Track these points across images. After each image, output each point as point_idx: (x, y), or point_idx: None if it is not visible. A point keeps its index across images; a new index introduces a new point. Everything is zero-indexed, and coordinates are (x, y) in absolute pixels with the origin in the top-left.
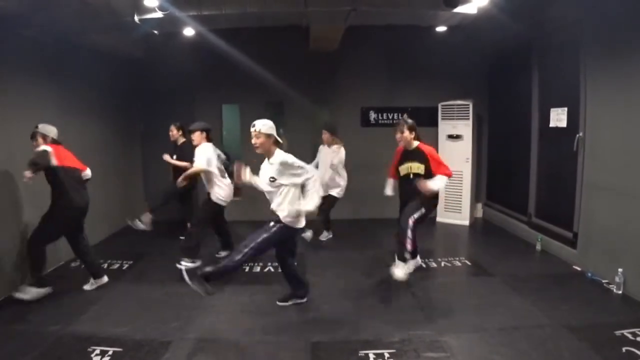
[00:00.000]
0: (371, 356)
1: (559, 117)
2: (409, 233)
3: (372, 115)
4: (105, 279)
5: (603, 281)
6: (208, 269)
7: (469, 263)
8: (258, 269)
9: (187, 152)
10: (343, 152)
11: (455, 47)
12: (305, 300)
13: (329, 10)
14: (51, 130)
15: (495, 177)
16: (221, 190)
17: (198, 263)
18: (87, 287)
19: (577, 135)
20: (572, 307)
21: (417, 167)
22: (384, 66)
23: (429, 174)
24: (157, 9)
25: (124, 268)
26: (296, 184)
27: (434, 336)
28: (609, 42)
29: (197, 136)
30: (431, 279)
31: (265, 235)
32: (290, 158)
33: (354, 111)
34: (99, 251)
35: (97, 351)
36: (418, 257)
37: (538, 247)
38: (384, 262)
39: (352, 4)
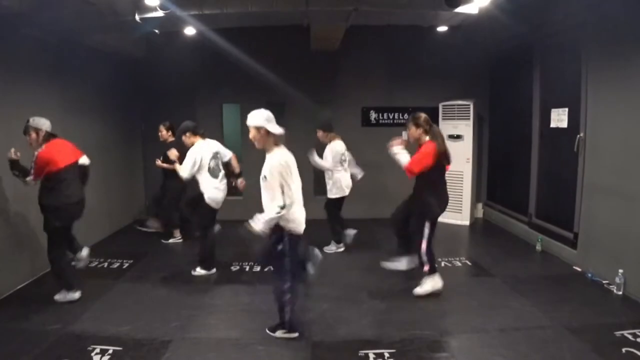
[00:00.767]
0: (371, 356)
1: (559, 118)
2: (424, 258)
3: (373, 115)
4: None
5: (603, 282)
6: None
7: (469, 263)
8: (258, 268)
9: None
10: (335, 145)
11: (456, 47)
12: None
13: (330, 10)
14: (44, 123)
15: (495, 178)
16: (213, 193)
17: (213, 271)
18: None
19: (578, 136)
20: (573, 308)
21: None
22: (385, 66)
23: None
24: (158, 8)
25: (124, 267)
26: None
27: (435, 337)
28: (610, 43)
29: (185, 139)
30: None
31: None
32: (276, 167)
33: (355, 111)
34: (100, 250)
35: (98, 350)
36: (437, 276)
37: (538, 247)
38: (385, 262)
39: (354, 4)
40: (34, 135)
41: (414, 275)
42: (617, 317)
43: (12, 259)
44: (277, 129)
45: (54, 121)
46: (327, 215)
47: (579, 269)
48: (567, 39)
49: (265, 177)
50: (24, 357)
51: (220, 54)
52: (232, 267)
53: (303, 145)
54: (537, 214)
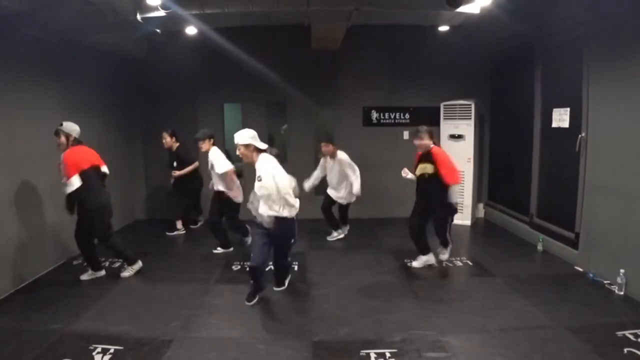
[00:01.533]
0: (372, 356)
1: (561, 118)
2: (449, 239)
3: (374, 115)
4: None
5: (605, 282)
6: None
7: (470, 263)
8: None
9: (185, 156)
10: (345, 156)
11: (457, 47)
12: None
13: (331, 9)
14: (74, 130)
15: (497, 178)
16: (239, 190)
17: (231, 249)
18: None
19: (580, 136)
20: (574, 308)
21: (429, 168)
22: (386, 66)
23: (436, 173)
24: (159, 7)
25: (125, 266)
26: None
27: (436, 336)
28: (612, 42)
29: (206, 143)
30: (433, 278)
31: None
32: (267, 169)
33: (356, 111)
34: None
35: (99, 349)
36: (431, 255)
37: (540, 247)
38: (385, 262)
39: (355, 4)
40: (63, 138)
41: (414, 275)
42: (618, 317)
43: (12, 260)
44: (262, 145)
45: (54, 121)
46: (341, 217)
47: (580, 269)
48: (568, 39)
49: (260, 177)
50: (24, 357)
51: (221, 54)
52: (232, 267)
53: (303, 145)
54: (538, 213)
